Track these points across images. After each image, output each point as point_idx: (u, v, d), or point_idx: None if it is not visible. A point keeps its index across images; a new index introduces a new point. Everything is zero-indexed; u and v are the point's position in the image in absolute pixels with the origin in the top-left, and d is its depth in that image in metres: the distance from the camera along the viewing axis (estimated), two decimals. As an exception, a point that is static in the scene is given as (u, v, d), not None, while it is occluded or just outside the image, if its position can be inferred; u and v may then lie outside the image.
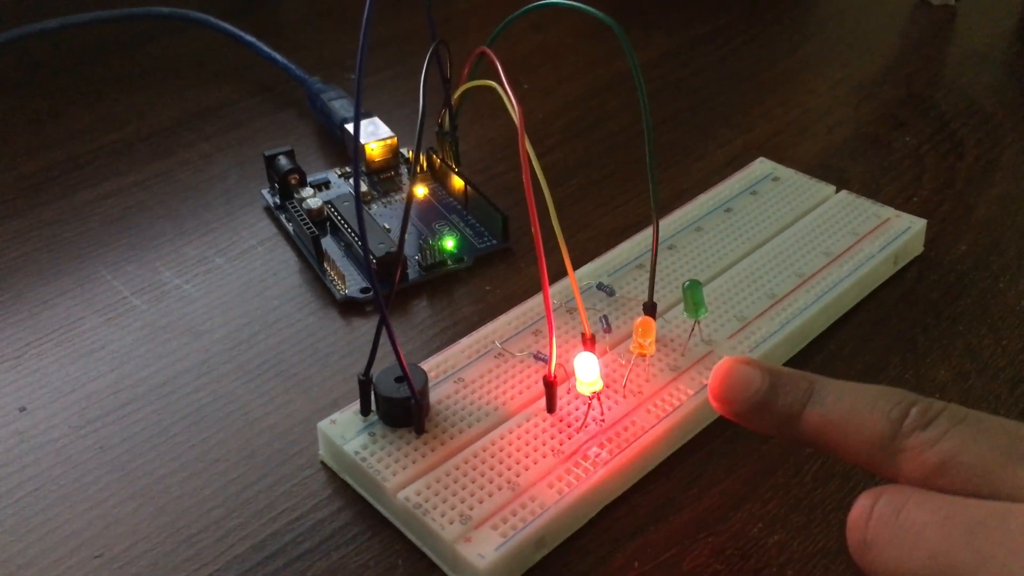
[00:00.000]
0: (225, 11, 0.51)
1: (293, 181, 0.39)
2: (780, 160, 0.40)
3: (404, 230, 0.27)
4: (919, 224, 0.36)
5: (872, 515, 0.20)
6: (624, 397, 0.29)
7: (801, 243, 0.35)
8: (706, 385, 0.29)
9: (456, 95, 0.37)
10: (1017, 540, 0.18)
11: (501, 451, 0.27)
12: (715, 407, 0.25)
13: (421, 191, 0.40)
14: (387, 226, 0.38)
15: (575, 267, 0.33)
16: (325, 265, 0.36)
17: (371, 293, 0.34)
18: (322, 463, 0.29)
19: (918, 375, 0.31)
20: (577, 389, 0.28)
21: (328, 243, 0.37)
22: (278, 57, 0.48)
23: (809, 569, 0.25)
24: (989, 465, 0.20)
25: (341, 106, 0.43)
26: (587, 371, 0.28)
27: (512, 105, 0.27)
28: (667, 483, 0.28)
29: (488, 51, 0.29)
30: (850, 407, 0.22)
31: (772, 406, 0.23)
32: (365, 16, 0.24)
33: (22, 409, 0.31)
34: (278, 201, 0.39)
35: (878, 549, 0.20)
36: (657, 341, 0.30)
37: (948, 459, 0.20)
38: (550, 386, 0.28)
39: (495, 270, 0.36)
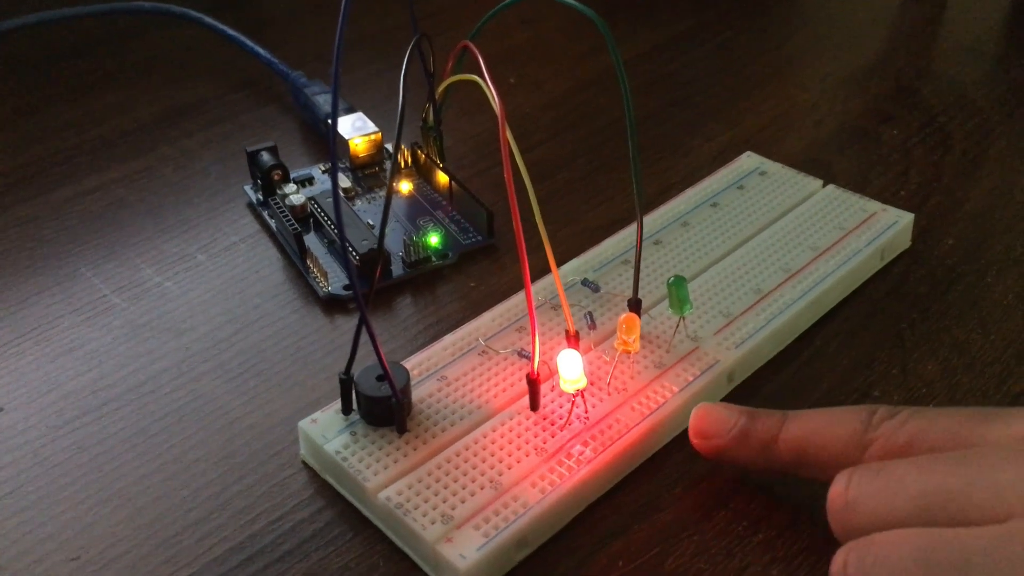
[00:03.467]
0: (208, 6, 0.51)
1: (276, 177, 0.38)
2: (767, 154, 0.40)
3: (384, 225, 0.26)
4: (906, 218, 0.36)
5: (852, 480, 0.21)
6: (608, 395, 0.29)
7: (788, 238, 0.35)
8: (691, 382, 0.29)
9: (439, 90, 0.36)
10: (1000, 459, 0.19)
11: (484, 450, 0.27)
12: (697, 445, 0.27)
13: (406, 187, 0.39)
14: (371, 222, 0.37)
15: (560, 263, 0.33)
16: (308, 262, 0.35)
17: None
18: (303, 463, 0.28)
19: (905, 370, 0.31)
20: (561, 387, 0.28)
21: (311, 240, 0.36)
22: (261, 52, 0.47)
23: (794, 568, 0.25)
24: (954, 430, 0.21)
25: (325, 101, 0.43)
26: (570, 368, 0.27)
27: (493, 98, 0.26)
28: (651, 482, 0.28)
29: (471, 45, 0.29)
30: (823, 421, 0.24)
31: (751, 435, 0.25)
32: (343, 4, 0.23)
33: (-1, 409, 0.30)
34: (261, 197, 0.39)
35: (861, 504, 0.21)
36: (642, 338, 0.30)
37: (916, 435, 0.22)
38: (533, 384, 0.28)
39: (480, 266, 0.36)
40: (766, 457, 0.25)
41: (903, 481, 0.20)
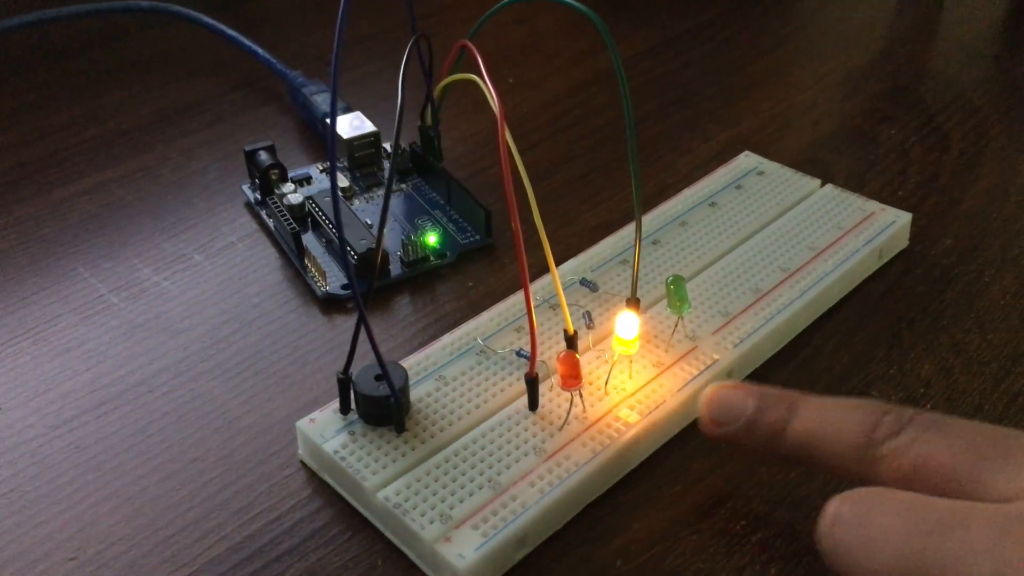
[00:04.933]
0: (207, 5, 0.51)
1: (274, 176, 0.38)
2: (765, 154, 0.40)
3: (383, 225, 0.26)
4: (904, 218, 0.36)
5: (840, 519, 0.21)
6: (607, 394, 0.29)
7: (786, 237, 0.35)
8: (689, 381, 0.29)
9: (437, 89, 0.36)
10: (980, 539, 0.19)
11: (482, 449, 0.27)
12: (706, 431, 0.26)
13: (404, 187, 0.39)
14: (369, 222, 0.37)
15: (559, 263, 0.33)
16: (306, 262, 0.35)
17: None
18: (301, 463, 0.28)
19: (902, 370, 0.31)
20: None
21: (309, 239, 0.36)
22: (260, 51, 0.47)
23: (792, 567, 0.25)
24: (957, 467, 0.21)
25: (323, 100, 0.43)
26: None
27: (492, 98, 0.26)
28: (650, 480, 0.28)
29: (469, 44, 0.29)
30: (829, 420, 0.24)
31: (760, 425, 0.25)
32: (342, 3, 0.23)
33: (-3, 409, 0.30)
34: (259, 197, 0.39)
35: (846, 550, 0.21)
36: (640, 337, 0.30)
37: (920, 464, 0.22)
38: (532, 384, 0.28)
39: (478, 266, 0.36)
40: (772, 448, 0.25)
41: (887, 536, 0.20)
